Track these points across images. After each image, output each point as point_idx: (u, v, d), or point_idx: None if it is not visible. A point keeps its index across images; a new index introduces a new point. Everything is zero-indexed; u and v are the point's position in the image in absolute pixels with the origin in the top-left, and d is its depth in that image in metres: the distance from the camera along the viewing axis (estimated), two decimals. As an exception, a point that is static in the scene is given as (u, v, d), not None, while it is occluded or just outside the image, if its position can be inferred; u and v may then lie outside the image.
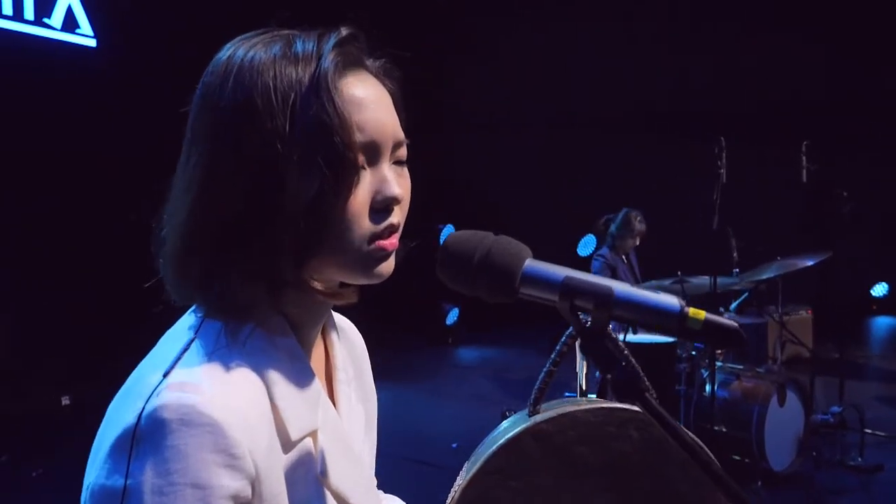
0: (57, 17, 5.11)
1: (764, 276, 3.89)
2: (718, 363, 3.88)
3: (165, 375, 0.63)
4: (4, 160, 4.64)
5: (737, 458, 3.57)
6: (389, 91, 0.73)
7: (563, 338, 0.86)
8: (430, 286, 7.88)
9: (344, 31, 0.70)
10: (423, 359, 6.69)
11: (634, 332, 4.06)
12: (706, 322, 0.59)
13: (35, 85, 4.84)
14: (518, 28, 7.32)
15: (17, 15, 4.87)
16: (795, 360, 5.47)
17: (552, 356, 0.90)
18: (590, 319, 0.62)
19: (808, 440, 3.72)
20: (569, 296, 0.61)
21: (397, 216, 0.71)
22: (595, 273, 3.49)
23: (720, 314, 3.99)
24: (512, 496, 0.86)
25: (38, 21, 4.99)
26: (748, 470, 3.53)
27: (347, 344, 0.90)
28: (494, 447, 0.85)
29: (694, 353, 3.73)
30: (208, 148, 0.67)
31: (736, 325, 0.59)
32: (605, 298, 0.60)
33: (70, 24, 5.19)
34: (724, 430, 3.60)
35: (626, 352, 0.66)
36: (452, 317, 7.29)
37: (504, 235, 0.67)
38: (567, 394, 4.08)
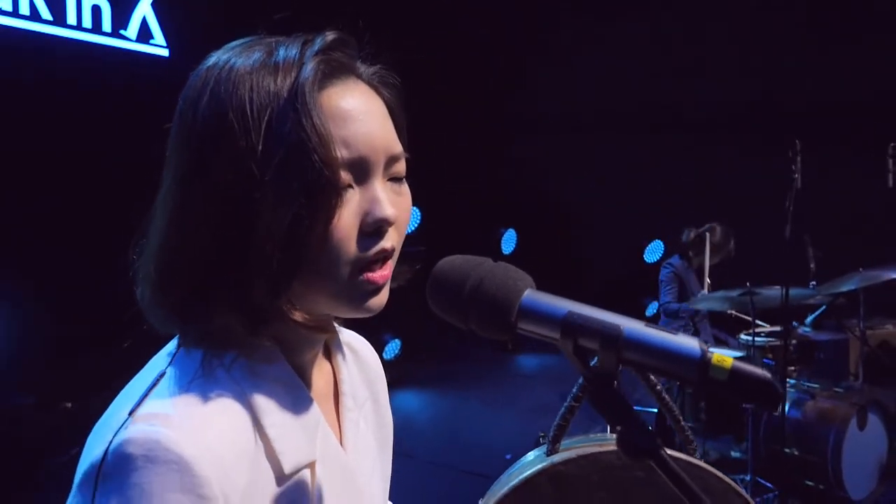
0: (132, 29, 5.33)
1: (843, 289, 3.62)
2: (792, 381, 3.63)
3: (136, 407, 0.59)
4: (85, 165, 4.87)
5: (810, 483, 3.33)
6: (385, 101, 0.67)
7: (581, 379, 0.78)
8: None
9: (329, 35, 0.64)
10: (482, 366, 6.61)
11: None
12: (733, 371, 0.49)
13: (112, 93, 5.07)
14: (586, 31, 7.15)
15: (96, 27, 5.11)
16: (881, 379, 5.09)
17: (573, 391, 0.81)
18: (597, 362, 0.54)
19: (893, 467, 3.45)
20: (572, 334, 0.53)
21: (391, 240, 0.63)
22: (662, 282, 3.31)
23: (794, 329, 3.74)
24: (525, 544, 0.78)
25: (114, 33, 5.21)
26: (823, 497, 3.30)
27: (360, 365, 0.84)
28: (507, 487, 0.78)
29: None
30: (182, 169, 0.62)
31: (769, 375, 0.50)
32: (612, 339, 0.52)
33: (144, 35, 5.40)
34: (796, 453, 3.36)
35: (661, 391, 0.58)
36: (513, 323, 7.18)
37: (503, 262, 0.59)
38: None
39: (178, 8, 5.56)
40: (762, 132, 5.22)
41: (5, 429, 3.77)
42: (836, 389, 3.55)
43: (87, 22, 5.05)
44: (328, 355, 0.77)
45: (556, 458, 0.77)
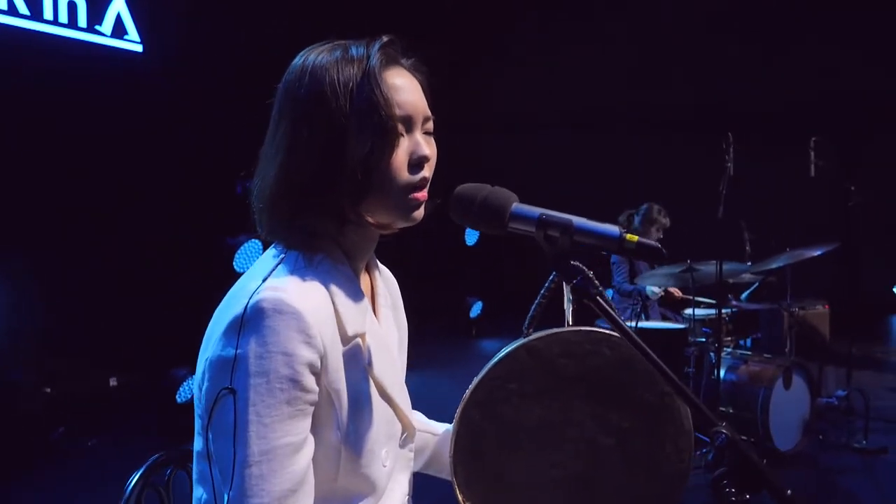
0: (107, 25, 5.47)
1: (773, 266, 4.05)
2: (728, 349, 4.06)
3: (263, 281, 0.90)
4: (63, 157, 5.01)
5: (743, 437, 3.73)
6: (419, 80, 0.99)
7: (551, 276, 1.11)
8: (455, 281, 8.06)
9: (385, 38, 0.96)
10: (448, 350, 6.94)
11: (646, 319, 4.27)
12: (638, 243, 0.83)
13: (87, 86, 5.21)
14: (540, 33, 7.55)
15: (72, 23, 5.24)
16: (811, 351, 5.57)
17: (542, 291, 1.15)
18: (558, 243, 0.87)
19: (814, 423, 3.88)
20: (542, 227, 0.86)
21: (427, 171, 0.96)
22: (613, 264, 3.78)
23: (728, 301, 4.17)
24: (509, 395, 1.10)
25: (90, 28, 5.35)
26: (754, 448, 3.69)
27: (385, 282, 1.16)
28: (497, 358, 1.10)
29: (703, 339, 3.91)
30: (291, 124, 0.93)
31: (659, 245, 0.83)
32: (567, 227, 0.85)
33: (119, 30, 5.55)
34: (730, 410, 3.78)
35: (585, 270, 0.91)
36: (476, 310, 7.53)
37: (498, 186, 0.92)
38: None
39: (151, 5, 5.72)
40: (701, 128, 5.68)
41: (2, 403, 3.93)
42: (766, 356, 3.99)
43: (64, 17, 5.18)
44: (368, 272, 1.10)
45: (531, 336, 1.10)
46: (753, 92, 6.59)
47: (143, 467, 1.17)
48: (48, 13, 5.09)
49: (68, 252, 5.00)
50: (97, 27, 5.40)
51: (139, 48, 5.66)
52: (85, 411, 4.55)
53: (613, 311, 0.85)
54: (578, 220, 0.85)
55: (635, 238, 0.83)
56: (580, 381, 1.11)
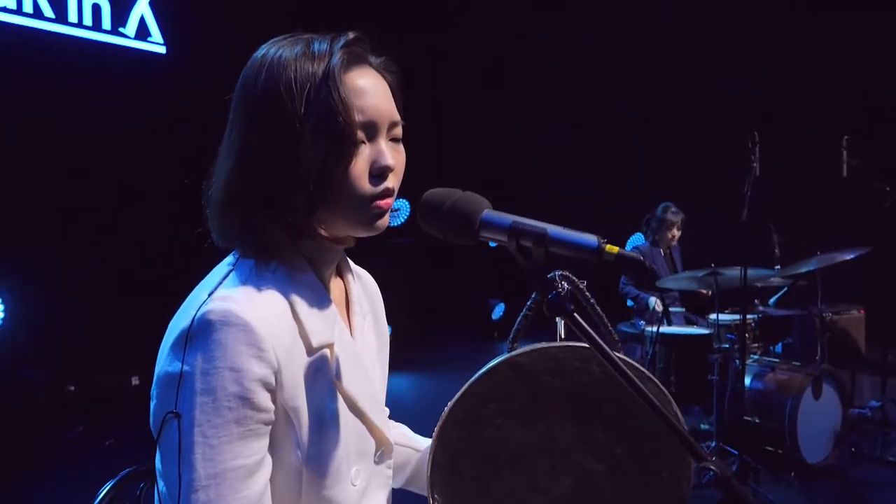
0: (131, 27, 5.52)
1: (802, 270, 3.89)
2: (755, 356, 3.91)
3: (211, 293, 0.84)
4: (85, 158, 5.06)
5: (770, 448, 3.60)
6: (388, 82, 0.91)
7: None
8: (476, 283, 7.96)
9: (351, 35, 0.88)
10: (468, 352, 6.86)
11: (668, 324, 4.14)
12: (618, 255, 0.75)
13: (111, 88, 5.26)
14: (558, 30, 7.43)
15: (96, 25, 5.30)
16: (842, 360, 5.36)
17: (528, 303, 1.07)
18: (532, 254, 0.79)
19: (846, 434, 3.71)
20: (515, 236, 0.78)
21: (391, 182, 0.88)
22: None
23: (755, 307, 4.02)
24: (491, 414, 1.03)
25: (114, 30, 5.41)
26: (781, 461, 3.55)
27: (364, 288, 1.09)
28: (478, 374, 1.03)
29: (727, 345, 3.77)
30: (245, 125, 0.86)
31: (641, 258, 0.75)
32: (541, 237, 0.77)
33: (142, 32, 5.59)
34: (756, 420, 3.64)
35: (564, 281, 0.83)
36: (498, 312, 7.44)
37: (469, 192, 0.84)
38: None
39: (174, 7, 5.76)
40: (729, 128, 5.51)
41: (16, 402, 3.97)
42: (795, 363, 3.83)
43: (88, 20, 5.24)
44: (342, 277, 1.03)
45: (516, 351, 1.02)
46: (778, 91, 6.37)
47: (114, 480, 1.13)
48: (73, 16, 5.15)
49: (100, 249, 5.05)
50: (121, 29, 5.45)
51: (163, 50, 5.70)
52: (106, 410, 4.59)
53: (599, 328, 0.77)
54: (553, 229, 0.77)
55: (615, 249, 0.75)
56: (568, 400, 1.03)
